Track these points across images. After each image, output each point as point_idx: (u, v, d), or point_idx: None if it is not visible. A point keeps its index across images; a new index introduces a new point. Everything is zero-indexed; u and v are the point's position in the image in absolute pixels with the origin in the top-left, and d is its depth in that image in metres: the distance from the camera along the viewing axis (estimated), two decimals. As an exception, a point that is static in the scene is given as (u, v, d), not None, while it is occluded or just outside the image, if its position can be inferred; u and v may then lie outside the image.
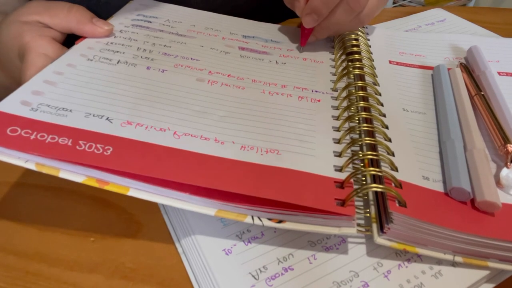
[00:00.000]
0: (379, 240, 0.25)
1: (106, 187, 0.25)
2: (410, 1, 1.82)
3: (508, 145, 0.30)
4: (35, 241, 0.28)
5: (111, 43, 0.37)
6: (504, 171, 0.29)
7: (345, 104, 0.33)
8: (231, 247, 0.26)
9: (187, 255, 0.27)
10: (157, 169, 0.25)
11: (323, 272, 0.25)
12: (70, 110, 0.29)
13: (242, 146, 0.28)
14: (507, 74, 0.40)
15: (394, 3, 1.79)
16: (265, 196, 0.24)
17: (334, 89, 0.36)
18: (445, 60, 0.42)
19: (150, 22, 0.42)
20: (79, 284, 0.26)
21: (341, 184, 0.26)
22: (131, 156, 0.26)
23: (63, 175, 0.25)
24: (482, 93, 0.35)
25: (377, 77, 0.37)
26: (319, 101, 0.34)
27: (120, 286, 0.26)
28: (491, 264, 0.25)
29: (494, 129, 0.31)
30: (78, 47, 0.36)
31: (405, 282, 0.25)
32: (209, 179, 0.25)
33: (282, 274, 0.25)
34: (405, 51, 0.43)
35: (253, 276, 0.25)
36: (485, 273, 0.25)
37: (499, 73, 0.40)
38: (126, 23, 0.41)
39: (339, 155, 0.29)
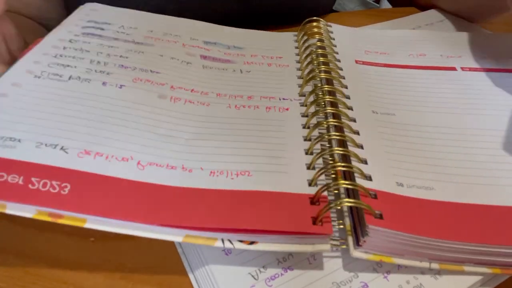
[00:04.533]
0: (356, 253, 0.25)
1: (60, 221, 0.23)
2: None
3: None
4: (35, 241, 0.28)
5: (60, 56, 0.34)
6: None
7: (312, 109, 0.33)
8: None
9: (187, 255, 0.27)
10: (120, 210, 0.23)
11: (322, 272, 0.25)
12: (19, 140, 0.26)
13: (211, 172, 0.27)
14: (470, 69, 0.40)
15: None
16: (238, 227, 0.24)
17: (301, 94, 0.35)
18: (409, 57, 0.41)
19: (103, 29, 0.38)
20: (79, 284, 0.26)
21: (313, 199, 0.25)
22: (91, 194, 0.24)
23: (10, 211, 0.23)
24: None
25: (344, 78, 0.36)
26: (287, 109, 0.33)
27: (120, 286, 0.26)
28: (467, 268, 0.25)
29: None
30: (23, 62, 0.32)
31: (405, 282, 0.25)
32: (176, 217, 0.24)
33: (281, 274, 0.25)
34: (370, 50, 0.42)
35: (252, 276, 0.25)
36: (484, 274, 0.25)
37: (462, 69, 0.40)
38: (76, 31, 0.37)
39: (310, 167, 0.28)
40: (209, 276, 0.25)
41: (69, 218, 0.23)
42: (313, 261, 0.26)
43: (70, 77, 0.32)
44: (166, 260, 0.27)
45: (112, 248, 0.28)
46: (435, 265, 0.25)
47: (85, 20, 0.39)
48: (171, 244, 0.28)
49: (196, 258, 0.26)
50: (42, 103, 0.29)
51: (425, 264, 0.25)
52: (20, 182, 0.23)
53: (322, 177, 0.27)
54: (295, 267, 0.25)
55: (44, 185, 0.24)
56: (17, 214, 0.23)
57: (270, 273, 0.25)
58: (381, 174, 0.27)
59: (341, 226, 0.26)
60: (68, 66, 0.33)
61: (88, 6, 0.42)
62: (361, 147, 0.29)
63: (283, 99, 0.35)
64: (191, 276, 0.26)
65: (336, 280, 0.25)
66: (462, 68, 0.40)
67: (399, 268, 0.25)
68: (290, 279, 0.25)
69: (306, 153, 0.29)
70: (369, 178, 0.27)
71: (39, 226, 0.29)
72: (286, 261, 0.26)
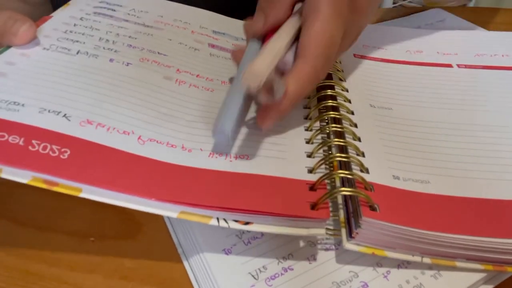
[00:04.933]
0: (348, 245, 0.25)
1: (55, 189, 0.23)
2: (410, 1, 1.82)
3: None
4: (35, 241, 0.28)
5: (70, 32, 0.34)
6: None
7: (315, 102, 0.33)
8: (231, 247, 0.26)
9: (187, 255, 0.27)
10: (119, 181, 0.23)
11: (322, 272, 0.25)
12: (23, 105, 0.26)
13: (210, 154, 0.27)
14: (466, 67, 0.40)
15: (394, 3, 1.78)
16: (235, 207, 0.23)
17: None
18: (407, 53, 0.42)
19: (114, 10, 0.39)
20: (79, 284, 0.26)
21: (313, 186, 0.26)
22: (91, 162, 0.24)
23: (6, 175, 0.22)
24: None
25: (343, 71, 0.36)
26: None
27: (120, 286, 0.26)
28: (459, 264, 0.25)
29: None
30: None
31: (405, 282, 0.25)
32: (173, 193, 0.24)
33: (281, 274, 0.25)
34: (368, 44, 0.43)
35: (252, 276, 0.25)
36: (484, 274, 0.25)
37: (458, 66, 0.40)
38: (88, 10, 0.38)
39: (311, 155, 0.28)
40: (209, 276, 0.25)
41: (65, 186, 0.23)
42: (313, 261, 0.25)
43: (78, 52, 0.32)
44: (166, 260, 0.27)
45: (112, 248, 0.28)
46: (427, 260, 0.25)
47: (97, 0, 0.40)
48: (171, 244, 0.28)
49: (196, 258, 0.26)
50: (48, 72, 0.30)
51: (417, 259, 0.25)
52: (21, 143, 0.24)
53: (322, 166, 0.27)
54: (295, 267, 0.25)
55: (44, 148, 0.24)
56: (12, 179, 0.22)
57: (270, 273, 0.25)
58: (378, 167, 0.28)
59: (336, 217, 0.27)
60: (77, 41, 0.34)
61: None
62: (359, 139, 0.29)
63: None
64: (191, 275, 0.26)
65: (336, 279, 0.25)
66: (458, 65, 0.40)
67: (399, 268, 0.25)
68: (290, 278, 0.25)
69: (307, 142, 0.29)
70: (366, 170, 0.27)
71: (39, 226, 0.29)
72: (286, 261, 0.25)
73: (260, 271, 0.25)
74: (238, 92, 0.28)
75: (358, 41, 0.43)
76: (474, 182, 0.28)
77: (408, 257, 0.25)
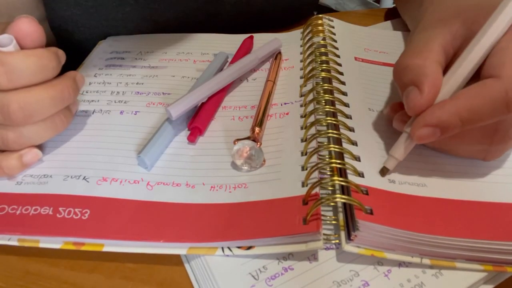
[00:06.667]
0: (347, 247, 0.25)
1: (82, 248, 0.25)
2: (410, 1, 1.81)
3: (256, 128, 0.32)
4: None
5: (87, 92, 0.37)
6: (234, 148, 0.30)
7: (311, 107, 0.33)
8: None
9: (187, 255, 0.27)
10: (132, 232, 0.26)
11: (323, 271, 0.25)
12: (51, 176, 0.29)
13: (211, 187, 0.28)
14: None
15: (394, 3, 1.78)
16: (232, 239, 0.25)
17: (301, 95, 0.35)
18: None
19: (123, 58, 0.42)
20: (79, 284, 0.26)
21: (305, 200, 0.26)
22: (107, 217, 0.26)
23: (43, 245, 0.26)
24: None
25: (342, 75, 0.36)
26: (287, 114, 0.34)
27: (120, 286, 0.26)
28: (458, 264, 0.25)
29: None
30: None
31: (406, 281, 0.24)
32: (179, 234, 0.25)
33: (282, 274, 0.25)
34: (369, 48, 0.43)
35: (253, 276, 0.25)
36: (485, 273, 0.25)
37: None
38: (100, 65, 0.41)
39: (304, 168, 0.28)
40: (209, 276, 0.25)
41: (90, 244, 0.26)
42: (313, 260, 0.25)
43: (93, 111, 0.35)
44: (166, 260, 0.27)
45: (112, 248, 0.27)
46: (426, 261, 0.25)
47: (108, 51, 0.43)
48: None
49: (196, 258, 0.26)
50: (70, 139, 0.32)
51: (417, 260, 0.25)
52: (50, 212, 0.26)
53: (317, 175, 0.27)
54: (296, 267, 0.25)
55: (69, 213, 0.26)
56: (47, 246, 0.25)
57: (271, 273, 0.25)
58: (374, 170, 0.28)
59: (334, 222, 0.27)
60: (92, 101, 0.36)
61: (111, 38, 0.45)
62: (355, 144, 0.29)
63: (285, 103, 0.35)
64: (191, 276, 0.26)
65: (336, 279, 0.24)
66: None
67: (400, 267, 0.25)
68: (291, 278, 0.25)
69: (302, 154, 0.30)
70: (361, 174, 0.27)
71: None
72: (287, 260, 0.25)
73: (260, 271, 0.25)
74: (169, 132, 0.32)
75: (360, 45, 0.43)
76: (472, 185, 0.28)
77: (408, 258, 0.25)
